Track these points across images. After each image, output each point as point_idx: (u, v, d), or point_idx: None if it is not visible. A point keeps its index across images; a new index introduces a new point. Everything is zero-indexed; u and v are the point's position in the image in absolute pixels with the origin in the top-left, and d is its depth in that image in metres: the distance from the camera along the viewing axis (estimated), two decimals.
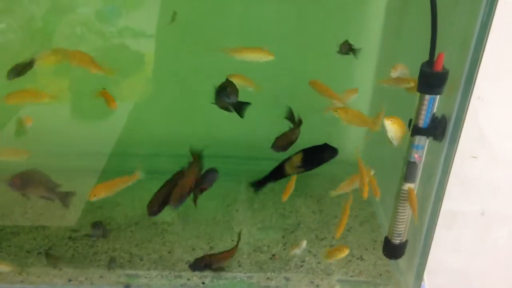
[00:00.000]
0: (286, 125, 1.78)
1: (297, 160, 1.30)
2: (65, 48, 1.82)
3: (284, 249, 1.64)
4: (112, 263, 1.50)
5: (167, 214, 1.76)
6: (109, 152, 2.00)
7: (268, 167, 2.00)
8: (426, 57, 1.16)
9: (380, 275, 1.54)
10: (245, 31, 1.83)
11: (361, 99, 1.91)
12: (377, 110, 1.86)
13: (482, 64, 1.19)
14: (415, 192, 1.28)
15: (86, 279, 1.46)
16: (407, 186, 1.30)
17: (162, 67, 1.93)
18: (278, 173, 1.34)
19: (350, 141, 2.11)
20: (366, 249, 1.64)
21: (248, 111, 1.88)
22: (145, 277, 1.48)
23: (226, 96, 1.31)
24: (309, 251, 1.63)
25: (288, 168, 1.32)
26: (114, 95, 2.00)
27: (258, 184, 1.37)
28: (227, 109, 1.36)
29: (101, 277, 1.47)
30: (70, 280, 1.45)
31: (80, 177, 1.96)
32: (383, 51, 1.84)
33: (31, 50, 1.87)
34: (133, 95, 2.01)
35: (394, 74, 1.33)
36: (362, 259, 1.60)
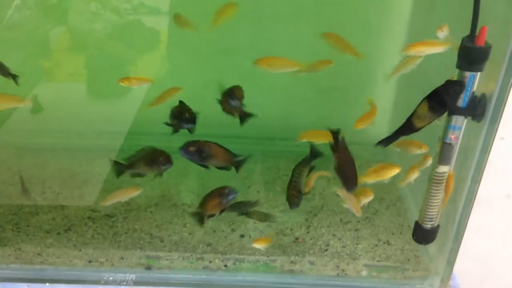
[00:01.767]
0: (302, 105, 1.72)
1: (423, 110, 1.19)
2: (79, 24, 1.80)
3: (308, 232, 1.59)
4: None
5: (186, 195, 1.73)
6: (126, 131, 1.96)
7: (285, 147, 1.97)
8: (461, 35, 1.08)
9: (408, 260, 1.49)
10: (265, 10, 1.76)
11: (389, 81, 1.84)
12: (405, 92, 1.81)
13: None
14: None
15: (107, 260, 1.43)
16: (442, 168, 1.23)
17: (178, 44, 1.87)
18: (407, 129, 1.22)
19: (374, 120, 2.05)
20: (393, 234, 1.59)
21: (266, 91, 1.83)
22: (166, 259, 1.45)
23: (232, 99, 1.33)
24: (333, 235, 1.58)
25: (417, 122, 1.20)
26: (129, 73, 1.97)
27: (386, 141, 1.26)
28: (230, 113, 1.37)
29: (122, 258, 1.44)
30: (90, 261, 1.42)
31: (98, 157, 1.94)
32: (413, 29, 1.76)
33: (46, 27, 1.84)
34: (149, 73, 1.97)
35: (441, 34, 1.20)
36: (389, 244, 1.55)
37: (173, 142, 1.98)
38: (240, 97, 1.34)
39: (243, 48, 1.81)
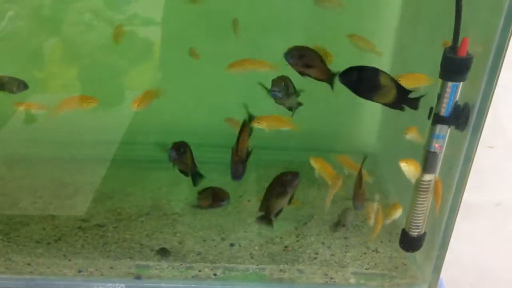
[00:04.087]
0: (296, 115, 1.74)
1: None
2: (73, 35, 1.82)
3: (297, 240, 1.60)
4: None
5: (176, 204, 1.74)
6: (118, 141, 1.97)
7: (277, 156, 1.98)
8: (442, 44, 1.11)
9: (396, 267, 1.50)
10: (256, 15, 1.79)
11: None
12: None
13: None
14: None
15: (96, 270, 1.43)
16: (427, 177, 1.25)
17: (171, 55, 1.89)
18: None
19: (363, 130, 2.07)
20: (382, 242, 1.60)
21: (257, 101, 1.84)
22: (156, 268, 1.45)
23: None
24: (322, 243, 1.59)
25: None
26: (122, 83, 1.98)
27: None
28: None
29: (112, 268, 1.44)
30: (80, 271, 1.42)
31: (90, 167, 1.95)
32: (399, 39, 1.79)
33: (39, 38, 1.85)
34: (142, 83, 1.98)
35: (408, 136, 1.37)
36: (377, 252, 1.56)
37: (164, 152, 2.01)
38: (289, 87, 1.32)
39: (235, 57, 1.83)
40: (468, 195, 1.94)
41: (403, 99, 1.17)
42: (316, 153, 1.52)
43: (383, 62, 1.82)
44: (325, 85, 1.73)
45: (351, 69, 1.17)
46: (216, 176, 1.88)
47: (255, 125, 1.37)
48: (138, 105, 1.48)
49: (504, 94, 1.71)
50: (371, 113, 1.97)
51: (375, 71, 1.17)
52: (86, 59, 1.90)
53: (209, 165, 1.96)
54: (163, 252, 1.50)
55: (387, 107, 1.17)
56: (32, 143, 1.98)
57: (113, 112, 1.99)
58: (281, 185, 1.28)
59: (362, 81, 1.17)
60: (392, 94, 1.17)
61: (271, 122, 1.42)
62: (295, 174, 1.28)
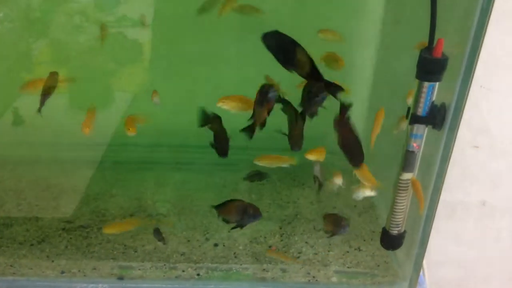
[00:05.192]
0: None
1: None
2: (62, 37, 1.82)
3: (281, 240, 1.62)
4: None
5: (161, 205, 1.74)
6: (106, 143, 1.98)
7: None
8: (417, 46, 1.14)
9: (378, 266, 1.51)
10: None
11: (361, 87, 1.88)
12: (378, 99, 1.84)
13: (485, 53, 1.16)
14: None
15: (79, 271, 1.43)
16: (406, 175, 1.27)
17: (161, 56, 1.90)
18: None
19: None
20: (364, 240, 1.62)
21: None
22: (139, 269, 1.46)
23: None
24: (306, 242, 1.60)
25: None
26: (112, 84, 1.98)
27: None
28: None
29: (94, 268, 1.44)
30: (62, 272, 1.43)
31: (77, 168, 1.95)
32: (384, 39, 1.81)
33: (28, 40, 1.85)
34: (131, 85, 1.99)
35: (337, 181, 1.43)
36: (360, 250, 1.57)
37: (153, 153, 2.01)
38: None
39: (227, 59, 1.84)
40: (454, 195, 1.97)
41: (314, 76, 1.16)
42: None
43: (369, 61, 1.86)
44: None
45: (276, 33, 1.15)
46: (203, 177, 1.91)
47: (220, 104, 1.35)
48: (130, 130, 1.48)
49: (488, 94, 1.74)
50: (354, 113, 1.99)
51: (294, 44, 1.15)
52: (74, 61, 1.90)
53: (195, 166, 1.99)
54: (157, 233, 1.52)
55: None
56: (17, 145, 1.98)
57: (99, 113, 2.00)
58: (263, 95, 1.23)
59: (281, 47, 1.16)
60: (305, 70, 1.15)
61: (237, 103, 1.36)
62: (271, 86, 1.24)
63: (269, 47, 1.15)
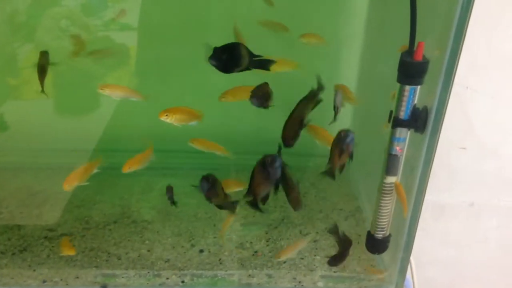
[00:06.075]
0: (269, 121, 1.73)
1: None
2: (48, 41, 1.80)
3: (267, 245, 1.60)
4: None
5: (146, 212, 1.73)
6: (92, 148, 1.95)
7: (253, 161, 1.98)
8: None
9: (364, 269, 1.51)
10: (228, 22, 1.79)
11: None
12: (362, 100, 1.84)
13: (470, 55, 1.16)
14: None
15: (61, 279, 1.41)
16: (389, 179, 1.26)
17: (148, 60, 1.88)
18: None
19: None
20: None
21: (234, 108, 1.84)
22: (123, 277, 1.44)
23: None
24: None
25: None
26: (96, 90, 1.96)
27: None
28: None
29: (77, 277, 1.42)
30: (44, 281, 1.40)
31: (59, 175, 1.92)
32: (367, 42, 1.81)
33: (13, 44, 1.83)
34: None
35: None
36: None
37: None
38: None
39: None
40: (442, 196, 1.97)
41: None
42: (285, 157, 1.52)
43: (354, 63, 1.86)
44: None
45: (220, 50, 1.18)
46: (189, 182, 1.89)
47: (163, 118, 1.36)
48: (129, 167, 1.49)
49: (474, 96, 1.75)
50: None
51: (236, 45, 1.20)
52: (60, 65, 1.88)
53: (181, 171, 1.97)
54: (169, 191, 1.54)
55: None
56: (2, 152, 1.96)
57: (83, 119, 1.98)
58: (263, 168, 1.23)
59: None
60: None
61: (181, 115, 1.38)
62: (275, 156, 1.23)
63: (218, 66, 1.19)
